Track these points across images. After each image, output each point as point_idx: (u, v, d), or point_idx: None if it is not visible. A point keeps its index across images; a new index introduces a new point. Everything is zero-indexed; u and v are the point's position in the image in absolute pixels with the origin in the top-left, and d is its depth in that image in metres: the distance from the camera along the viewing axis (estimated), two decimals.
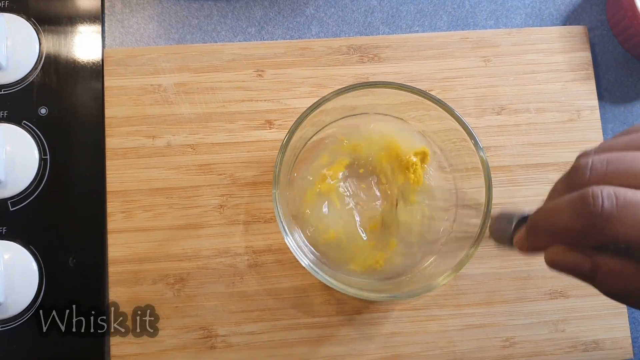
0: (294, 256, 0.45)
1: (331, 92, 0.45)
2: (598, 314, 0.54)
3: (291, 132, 0.46)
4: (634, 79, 0.59)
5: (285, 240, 0.45)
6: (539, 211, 0.32)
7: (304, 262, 0.45)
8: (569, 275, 0.32)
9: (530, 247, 0.34)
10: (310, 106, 0.45)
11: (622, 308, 0.54)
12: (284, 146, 0.46)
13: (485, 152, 0.46)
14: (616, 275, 0.30)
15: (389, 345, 0.52)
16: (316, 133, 0.51)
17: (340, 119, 0.51)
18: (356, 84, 0.46)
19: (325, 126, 0.51)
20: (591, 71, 0.57)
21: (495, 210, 0.39)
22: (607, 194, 0.28)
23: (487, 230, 0.40)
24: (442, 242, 0.50)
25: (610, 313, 0.54)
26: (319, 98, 0.46)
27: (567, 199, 0.30)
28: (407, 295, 0.47)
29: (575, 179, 0.31)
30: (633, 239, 0.28)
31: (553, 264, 0.32)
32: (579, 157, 0.32)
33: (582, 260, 0.31)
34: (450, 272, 0.45)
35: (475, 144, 0.46)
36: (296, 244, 0.46)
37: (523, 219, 0.36)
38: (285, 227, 0.45)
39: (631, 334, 0.54)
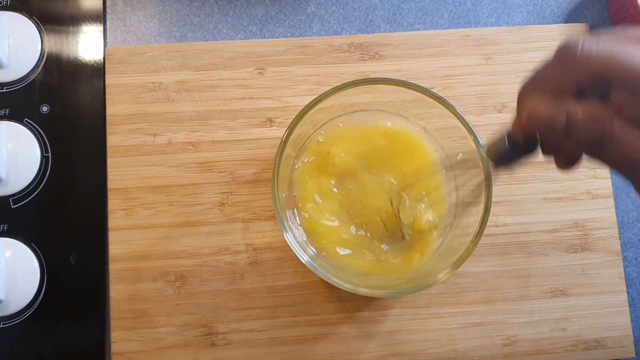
0: (294, 254, 0.45)
1: (330, 89, 0.45)
2: (599, 312, 0.54)
3: (290, 130, 0.46)
4: None
5: (285, 237, 0.45)
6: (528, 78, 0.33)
7: (304, 258, 0.45)
8: (542, 135, 0.34)
9: (525, 115, 0.34)
10: (309, 103, 0.45)
11: (624, 307, 0.54)
12: (283, 143, 0.46)
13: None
14: (590, 122, 0.31)
15: (389, 343, 0.52)
16: (316, 130, 0.51)
17: (341, 115, 0.51)
18: (355, 80, 0.46)
19: (325, 123, 0.51)
20: None
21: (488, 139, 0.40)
22: (589, 39, 0.30)
23: (488, 156, 0.41)
24: (442, 239, 0.50)
25: (611, 312, 0.54)
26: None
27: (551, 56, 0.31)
28: (406, 292, 0.46)
29: (564, 55, 0.31)
30: (611, 74, 0.29)
31: (530, 117, 0.32)
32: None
33: (558, 110, 0.31)
34: (450, 269, 0.45)
35: (476, 141, 0.46)
36: (296, 241, 0.46)
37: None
38: (285, 224, 0.45)
39: (633, 332, 0.54)
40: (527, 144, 0.37)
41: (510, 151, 0.38)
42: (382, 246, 0.50)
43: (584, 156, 0.34)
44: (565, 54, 0.30)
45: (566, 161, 0.36)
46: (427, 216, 0.50)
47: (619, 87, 0.29)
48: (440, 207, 0.51)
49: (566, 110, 0.31)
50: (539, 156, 0.37)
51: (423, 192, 0.50)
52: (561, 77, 0.31)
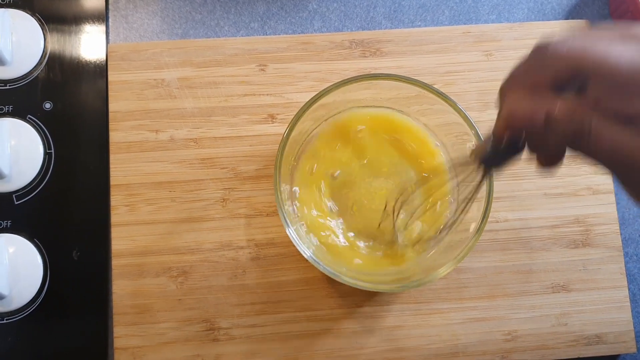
0: (296, 249, 0.46)
1: (332, 84, 0.46)
2: (600, 307, 0.54)
3: (292, 126, 0.46)
4: None
5: (287, 232, 0.45)
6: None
7: (306, 253, 0.45)
8: (521, 132, 0.33)
9: (506, 115, 0.34)
10: (311, 99, 0.46)
11: (625, 302, 0.54)
12: (285, 139, 0.46)
13: None
14: (567, 117, 0.31)
15: (391, 339, 0.52)
16: (317, 127, 0.51)
17: (342, 112, 0.51)
18: (357, 76, 0.46)
19: (326, 120, 0.51)
20: None
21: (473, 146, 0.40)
22: (563, 37, 0.31)
23: (476, 158, 0.40)
24: (444, 235, 0.51)
25: (612, 307, 0.54)
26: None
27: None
28: (408, 287, 0.47)
29: (539, 51, 0.32)
30: (582, 66, 0.30)
31: (510, 114, 0.33)
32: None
33: (536, 106, 0.32)
34: (451, 264, 0.45)
35: (478, 137, 0.46)
36: (298, 236, 0.46)
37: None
38: (287, 220, 0.46)
39: (634, 328, 0.54)
40: (512, 143, 0.36)
41: (496, 152, 0.38)
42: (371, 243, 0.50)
43: (567, 154, 0.34)
44: (540, 50, 0.31)
45: (548, 159, 0.36)
46: (417, 227, 0.50)
47: (593, 81, 0.30)
48: (439, 217, 0.51)
49: (544, 106, 0.31)
50: (524, 155, 0.37)
51: (421, 202, 0.50)
52: (537, 73, 0.32)
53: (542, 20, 0.60)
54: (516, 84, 0.33)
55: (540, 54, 0.31)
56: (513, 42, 0.57)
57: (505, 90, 0.34)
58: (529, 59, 0.33)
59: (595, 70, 0.29)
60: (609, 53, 0.29)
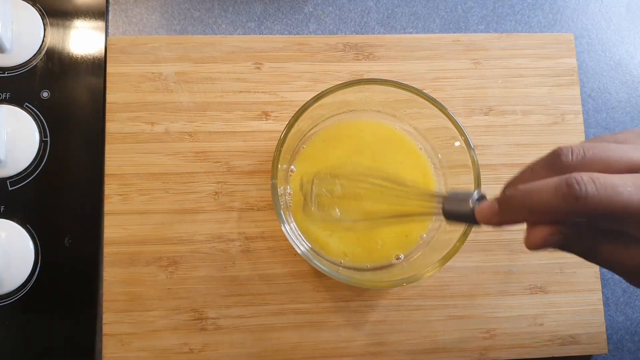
0: (287, 244, 0.47)
1: (335, 85, 0.47)
2: (575, 309, 0.56)
3: (291, 123, 0.47)
4: (616, 86, 0.62)
5: (282, 229, 0.46)
6: (515, 190, 0.34)
7: (300, 249, 0.46)
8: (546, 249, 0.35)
9: (502, 221, 0.36)
10: (314, 97, 0.47)
11: (599, 305, 0.56)
12: (284, 136, 0.47)
13: (475, 151, 0.48)
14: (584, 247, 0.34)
15: (374, 333, 0.54)
16: (313, 127, 0.53)
17: (339, 114, 0.53)
18: (359, 79, 0.48)
19: (323, 121, 0.53)
20: (576, 77, 0.60)
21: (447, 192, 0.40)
22: (587, 180, 0.31)
23: (444, 205, 0.40)
24: (431, 237, 0.52)
25: (587, 309, 0.56)
26: (314, 92, 0.48)
27: (550, 182, 0.33)
28: (393, 285, 0.48)
29: (555, 162, 0.34)
30: (608, 212, 0.31)
31: (534, 245, 0.35)
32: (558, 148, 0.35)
33: (559, 237, 0.34)
34: (437, 265, 0.46)
35: (467, 142, 0.48)
36: (293, 233, 0.47)
37: (481, 197, 0.38)
38: (283, 216, 0.47)
39: (606, 330, 0.56)
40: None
41: (463, 217, 0.39)
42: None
43: None
44: (569, 193, 0.32)
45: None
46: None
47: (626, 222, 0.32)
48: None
49: (564, 235, 0.34)
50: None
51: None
52: (566, 213, 0.32)
53: (529, 32, 0.62)
54: (538, 210, 0.33)
55: (570, 196, 0.31)
56: (500, 51, 0.59)
57: (520, 207, 0.35)
58: (555, 194, 0.32)
59: (627, 216, 0.31)
60: (632, 199, 0.31)
